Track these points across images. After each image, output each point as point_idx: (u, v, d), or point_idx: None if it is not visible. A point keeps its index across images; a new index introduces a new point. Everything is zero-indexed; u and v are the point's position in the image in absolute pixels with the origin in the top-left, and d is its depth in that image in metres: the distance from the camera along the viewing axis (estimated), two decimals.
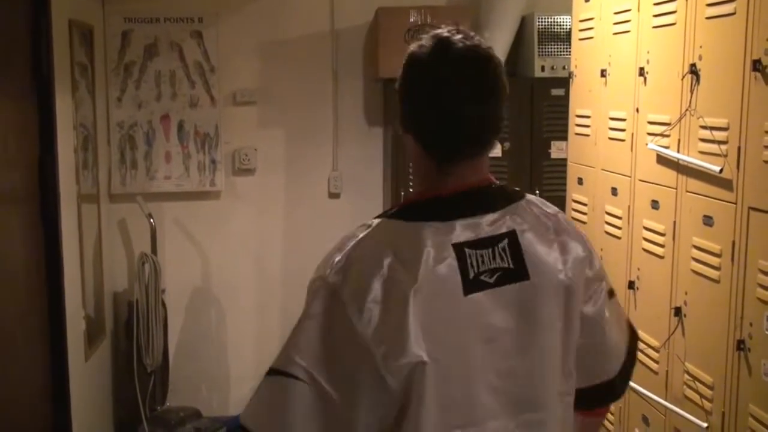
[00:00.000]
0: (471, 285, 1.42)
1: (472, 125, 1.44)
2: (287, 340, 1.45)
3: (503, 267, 1.45)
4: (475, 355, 1.43)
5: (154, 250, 4.26)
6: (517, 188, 1.58)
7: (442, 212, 1.45)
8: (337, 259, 1.46)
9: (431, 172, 1.48)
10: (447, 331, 1.40)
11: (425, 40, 1.47)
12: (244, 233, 4.63)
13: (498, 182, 1.55)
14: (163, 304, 4.26)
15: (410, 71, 1.47)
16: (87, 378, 3.90)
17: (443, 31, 1.48)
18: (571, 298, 1.50)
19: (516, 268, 1.45)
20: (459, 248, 1.42)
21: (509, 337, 1.45)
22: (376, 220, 1.49)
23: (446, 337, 1.40)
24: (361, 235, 1.47)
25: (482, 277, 1.43)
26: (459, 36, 1.47)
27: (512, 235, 1.46)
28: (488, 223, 1.46)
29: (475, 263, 1.43)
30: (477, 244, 1.44)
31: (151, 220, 4.29)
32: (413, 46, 1.48)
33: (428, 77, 1.44)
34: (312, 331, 1.42)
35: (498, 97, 1.46)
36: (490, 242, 1.45)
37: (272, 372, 1.45)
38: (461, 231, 1.44)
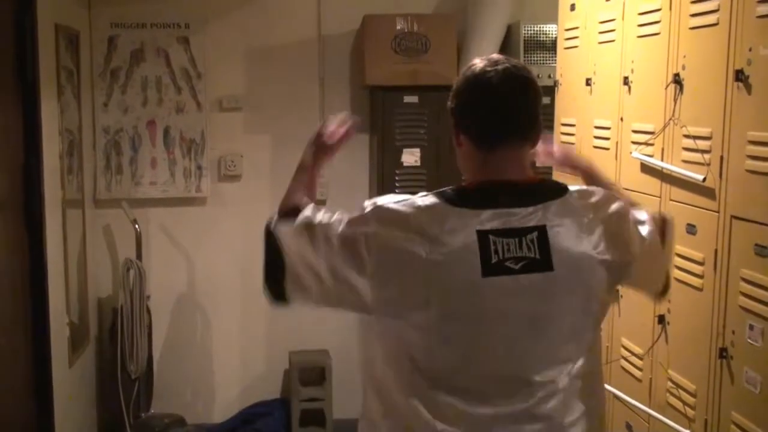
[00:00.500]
0: (492, 268, 1.60)
1: (513, 116, 1.73)
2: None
3: (530, 257, 1.63)
4: (482, 331, 1.62)
5: (139, 256, 4.25)
6: (560, 182, 1.81)
7: (473, 200, 1.66)
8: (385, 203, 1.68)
9: (477, 166, 1.73)
10: (458, 303, 1.61)
11: (479, 60, 1.77)
12: (230, 239, 4.62)
13: (541, 178, 1.79)
14: (148, 311, 4.25)
15: (466, 81, 1.75)
16: (71, 384, 3.88)
17: (494, 56, 1.79)
18: (611, 269, 1.70)
19: (542, 259, 1.63)
20: (483, 234, 1.61)
21: (525, 320, 1.63)
22: (427, 195, 1.69)
23: (456, 308, 1.61)
24: (411, 198, 1.68)
25: (507, 263, 1.61)
26: (503, 58, 1.78)
27: (542, 229, 1.65)
28: (521, 216, 1.65)
29: (500, 249, 1.61)
30: (504, 233, 1.63)
31: (137, 226, 4.27)
32: (468, 68, 1.78)
33: (481, 81, 1.72)
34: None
35: (532, 97, 1.78)
36: (518, 233, 1.63)
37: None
38: (489, 219, 1.63)
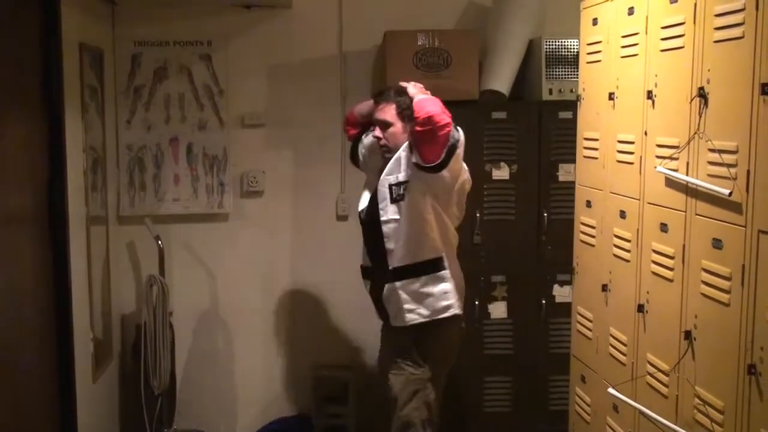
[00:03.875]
0: None
1: None
2: None
3: None
4: None
5: (162, 272, 4.27)
6: None
7: None
8: None
9: None
10: None
11: None
12: (252, 256, 4.63)
13: None
14: (171, 326, 4.26)
15: None
16: (94, 400, 3.90)
17: None
18: None
19: None
20: None
21: None
22: None
23: None
24: None
25: None
26: None
27: None
28: None
29: None
30: None
31: (159, 242, 4.29)
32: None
33: None
34: None
35: None
36: None
37: None
38: None
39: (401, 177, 3.39)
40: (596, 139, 3.45)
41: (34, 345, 3.34)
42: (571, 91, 4.16)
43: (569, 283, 3.77)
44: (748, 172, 2.31)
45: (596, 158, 3.44)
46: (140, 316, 4.25)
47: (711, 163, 2.50)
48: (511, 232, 4.23)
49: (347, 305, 4.41)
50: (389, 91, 3.50)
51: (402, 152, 3.42)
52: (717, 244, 2.47)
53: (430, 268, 3.43)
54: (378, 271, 3.51)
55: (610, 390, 3.11)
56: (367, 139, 3.68)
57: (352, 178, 4.59)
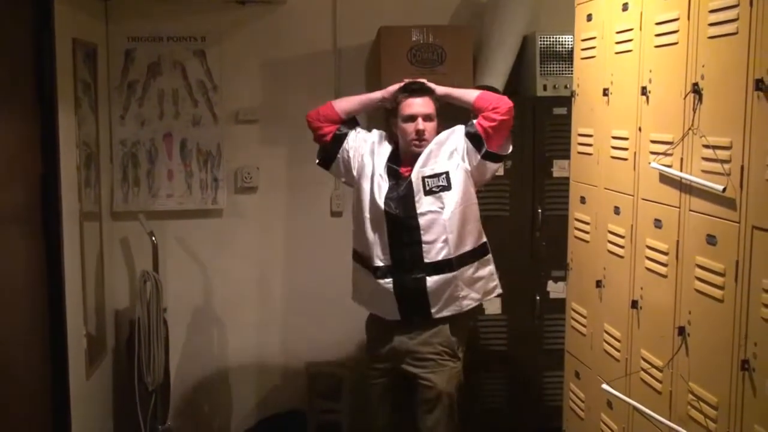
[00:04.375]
0: None
1: None
2: None
3: None
4: None
5: (155, 268, 4.26)
6: None
7: None
8: None
9: None
10: None
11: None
12: (246, 252, 4.63)
13: None
14: (165, 322, 4.25)
15: None
16: (88, 396, 3.89)
17: None
18: None
19: None
20: None
21: None
22: None
23: None
24: None
25: None
26: None
27: None
28: None
29: None
30: None
31: (153, 238, 4.28)
32: None
33: None
34: None
35: None
36: None
37: None
38: None
39: (438, 168, 3.43)
40: (590, 135, 3.45)
41: (28, 341, 3.34)
42: (566, 87, 4.16)
43: (563, 279, 3.77)
44: (742, 167, 2.31)
45: (590, 154, 3.44)
46: (134, 312, 4.25)
47: (705, 159, 2.50)
48: (505, 228, 4.23)
49: (341, 301, 4.40)
50: (424, 86, 3.54)
51: (433, 145, 3.46)
52: (711, 240, 2.47)
53: (480, 252, 3.52)
54: (404, 266, 3.43)
55: (604, 386, 3.11)
56: (372, 135, 3.63)
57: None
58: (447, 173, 3.42)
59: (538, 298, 4.27)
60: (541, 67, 4.29)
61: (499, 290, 3.63)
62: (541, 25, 4.46)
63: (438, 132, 3.53)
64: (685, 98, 2.61)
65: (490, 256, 3.58)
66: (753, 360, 2.27)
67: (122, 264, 4.53)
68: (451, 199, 3.40)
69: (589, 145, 3.46)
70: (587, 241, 3.48)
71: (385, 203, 3.43)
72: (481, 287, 3.54)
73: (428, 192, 3.41)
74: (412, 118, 3.46)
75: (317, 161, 3.72)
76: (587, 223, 3.48)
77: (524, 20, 4.38)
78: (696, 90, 2.54)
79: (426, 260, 3.40)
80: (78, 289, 3.74)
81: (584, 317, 3.51)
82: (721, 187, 2.39)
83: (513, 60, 4.38)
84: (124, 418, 4.37)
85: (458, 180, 3.42)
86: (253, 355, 4.69)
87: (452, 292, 3.44)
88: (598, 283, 3.33)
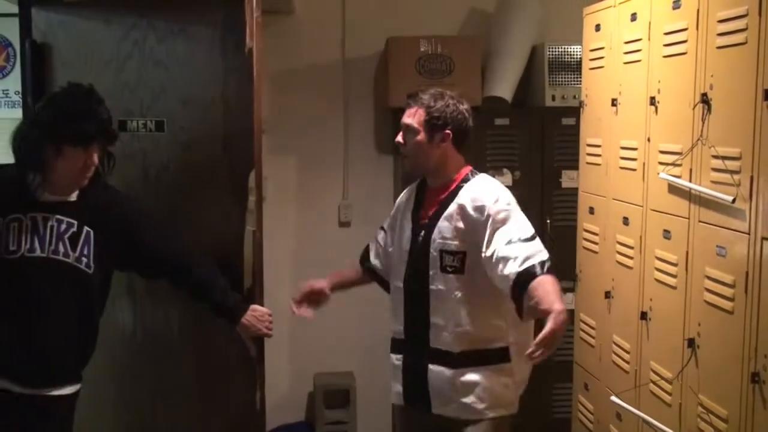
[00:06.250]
0: None
1: None
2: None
3: None
4: None
5: None
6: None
7: None
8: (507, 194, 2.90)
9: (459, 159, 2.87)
10: None
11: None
12: None
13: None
14: None
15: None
16: None
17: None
18: None
19: None
20: None
21: None
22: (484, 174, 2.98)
23: None
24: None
25: None
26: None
27: None
28: None
29: None
30: None
31: None
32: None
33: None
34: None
35: None
36: None
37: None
38: None
39: (453, 246, 2.75)
40: (599, 146, 3.44)
41: None
42: (574, 97, 4.15)
43: (572, 290, 3.75)
44: (752, 178, 2.29)
45: (599, 165, 3.43)
46: None
47: (714, 169, 2.49)
48: None
49: (349, 311, 4.39)
50: (423, 93, 2.80)
51: (454, 207, 2.78)
52: (720, 251, 2.46)
53: (496, 357, 2.80)
54: (414, 346, 2.85)
55: (613, 398, 3.09)
56: (401, 197, 3.04)
57: (354, 185, 4.60)
58: (464, 254, 2.74)
59: None
60: (549, 78, 4.29)
61: (513, 409, 2.89)
62: (550, 35, 4.45)
63: (464, 168, 2.90)
64: (693, 108, 2.60)
65: (511, 365, 2.81)
66: (763, 372, 2.25)
67: None
68: (463, 285, 2.74)
69: (598, 155, 3.44)
70: (596, 252, 3.46)
71: (402, 273, 2.89)
72: (487, 397, 2.78)
73: (444, 269, 2.75)
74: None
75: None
76: (596, 234, 3.46)
77: (533, 30, 4.38)
78: (705, 100, 2.53)
79: (430, 344, 2.79)
80: None
81: (593, 328, 3.50)
82: (730, 198, 2.37)
83: (522, 70, 4.37)
84: None
85: (473, 266, 2.73)
86: None
87: (450, 391, 2.78)
88: (607, 294, 3.31)
